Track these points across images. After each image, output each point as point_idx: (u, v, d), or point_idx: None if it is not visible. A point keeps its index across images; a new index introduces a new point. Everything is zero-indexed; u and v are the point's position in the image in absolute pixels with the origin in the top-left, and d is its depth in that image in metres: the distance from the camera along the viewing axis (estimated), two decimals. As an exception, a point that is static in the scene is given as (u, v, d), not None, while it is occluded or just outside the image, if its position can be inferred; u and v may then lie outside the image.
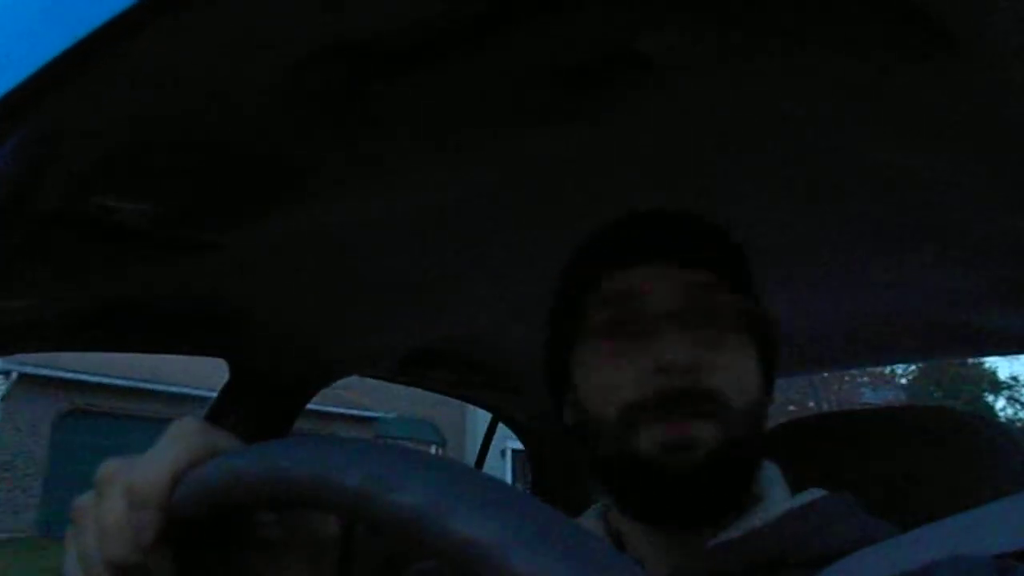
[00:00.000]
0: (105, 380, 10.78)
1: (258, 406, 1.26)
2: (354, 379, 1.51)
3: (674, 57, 0.57)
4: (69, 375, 10.49)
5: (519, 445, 1.82)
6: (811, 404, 15.43)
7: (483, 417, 1.79)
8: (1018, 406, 18.63)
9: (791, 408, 14.21)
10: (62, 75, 0.54)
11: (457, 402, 1.81)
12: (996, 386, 18.61)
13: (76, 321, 0.99)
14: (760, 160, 0.75)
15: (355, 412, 12.88)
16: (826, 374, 12.80)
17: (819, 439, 0.76)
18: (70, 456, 10.07)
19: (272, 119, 0.64)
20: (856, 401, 16.30)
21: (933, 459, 0.71)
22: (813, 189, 0.80)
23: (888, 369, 17.54)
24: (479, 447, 1.79)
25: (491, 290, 1.13)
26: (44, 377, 10.36)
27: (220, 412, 1.24)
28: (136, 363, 10.11)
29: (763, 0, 0.51)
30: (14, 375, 10.30)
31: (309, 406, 1.35)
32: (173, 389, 10.78)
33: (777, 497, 0.59)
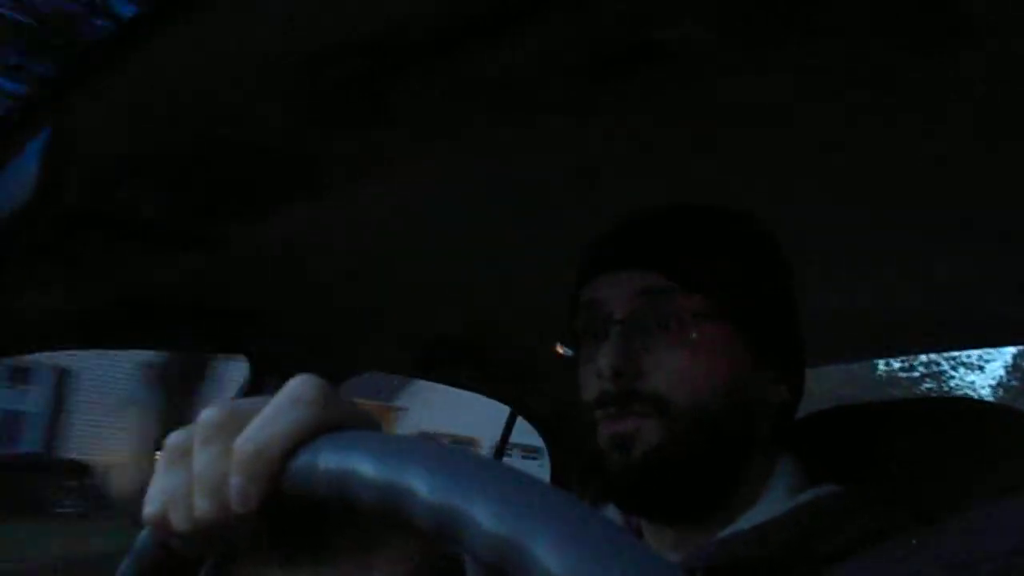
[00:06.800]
0: None
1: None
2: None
3: (696, 49, 0.56)
4: None
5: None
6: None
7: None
8: None
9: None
10: (81, 77, 0.54)
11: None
12: None
13: (95, 318, 1.00)
14: (777, 153, 0.74)
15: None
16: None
17: (837, 431, 0.76)
18: None
19: (288, 115, 0.64)
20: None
21: (953, 450, 0.70)
22: (830, 181, 0.80)
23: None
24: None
25: (510, 284, 1.13)
26: None
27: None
28: None
29: None
30: None
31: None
32: None
33: (788, 491, 0.59)
